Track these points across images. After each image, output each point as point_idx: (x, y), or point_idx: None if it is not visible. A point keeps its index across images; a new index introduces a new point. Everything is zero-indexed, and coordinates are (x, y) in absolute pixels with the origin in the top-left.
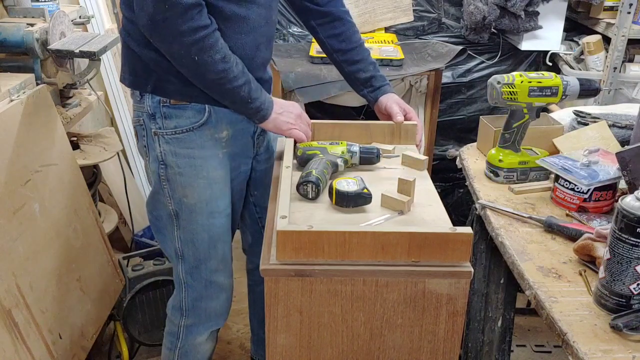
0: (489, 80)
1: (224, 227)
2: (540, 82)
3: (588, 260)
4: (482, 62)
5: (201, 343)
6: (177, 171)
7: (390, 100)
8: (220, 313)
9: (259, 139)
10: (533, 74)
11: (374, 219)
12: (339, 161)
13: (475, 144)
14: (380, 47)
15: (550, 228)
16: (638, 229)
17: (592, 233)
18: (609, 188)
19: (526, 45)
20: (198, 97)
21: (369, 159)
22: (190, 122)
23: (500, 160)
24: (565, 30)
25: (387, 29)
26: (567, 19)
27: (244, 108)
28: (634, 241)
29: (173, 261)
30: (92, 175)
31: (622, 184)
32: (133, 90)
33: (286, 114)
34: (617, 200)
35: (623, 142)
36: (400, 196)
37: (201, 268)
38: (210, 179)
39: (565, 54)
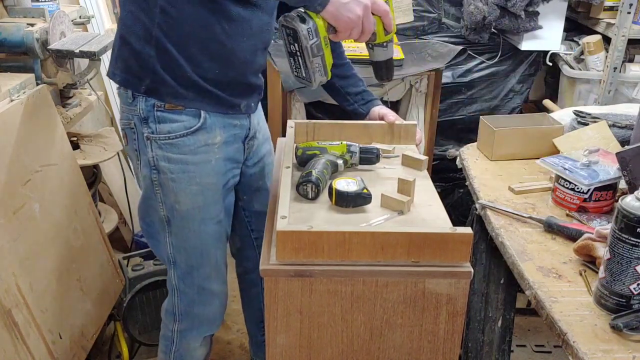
0: None
1: (216, 234)
2: None
3: (588, 260)
4: (482, 62)
5: (195, 348)
6: (170, 177)
7: (384, 109)
8: (213, 319)
9: (249, 144)
10: None
11: (374, 219)
12: (339, 161)
13: (475, 144)
14: None
15: (551, 228)
16: (638, 229)
17: (592, 233)
18: (609, 188)
19: (526, 45)
20: (193, 102)
21: (369, 159)
22: (185, 127)
23: None
24: (565, 30)
25: None
26: (567, 19)
27: None
28: (634, 241)
29: (166, 266)
30: (92, 175)
31: (622, 184)
32: (124, 91)
33: (352, 4)
34: (617, 200)
35: (623, 142)
36: (400, 196)
37: (193, 274)
38: (203, 185)
39: (566, 54)
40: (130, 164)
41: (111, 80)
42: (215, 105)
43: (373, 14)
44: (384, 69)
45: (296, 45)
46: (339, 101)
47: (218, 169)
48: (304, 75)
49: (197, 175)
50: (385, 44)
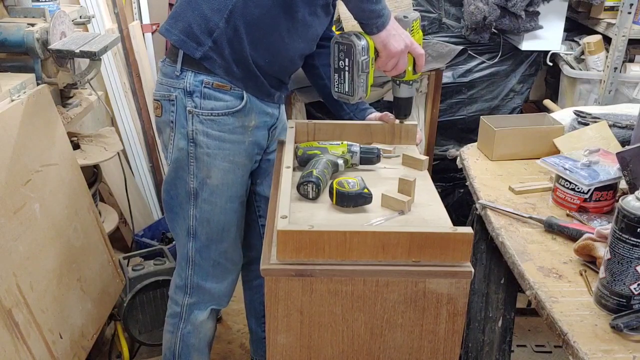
0: None
1: (238, 213)
2: None
3: (588, 260)
4: (483, 62)
5: (202, 322)
6: (206, 151)
7: (379, 114)
8: (223, 295)
9: (272, 133)
10: None
11: (374, 219)
12: (340, 161)
13: (475, 144)
14: None
15: (551, 228)
16: (638, 229)
17: (592, 233)
18: (610, 188)
19: (527, 45)
20: (239, 81)
21: (369, 159)
22: (227, 107)
23: None
24: (565, 30)
25: None
26: (567, 19)
27: (369, 4)
28: (634, 241)
29: (181, 240)
30: (92, 175)
31: (623, 184)
32: (170, 65)
33: (399, 38)
34: (617, 201)
35: (623, 142)
36: (400, 196)
37: (211, 248)
38: (235, 163)
39: (566, 54)
40: (160, 136)
41: (165, 37)
42: (257, 90)
43: (409, 53)
44: (405, 106)
45: (347, 60)
46: (336, 111)
47: (249, 150)
48: (346, 90)
49: (231, 153)
50: (411, 82)
